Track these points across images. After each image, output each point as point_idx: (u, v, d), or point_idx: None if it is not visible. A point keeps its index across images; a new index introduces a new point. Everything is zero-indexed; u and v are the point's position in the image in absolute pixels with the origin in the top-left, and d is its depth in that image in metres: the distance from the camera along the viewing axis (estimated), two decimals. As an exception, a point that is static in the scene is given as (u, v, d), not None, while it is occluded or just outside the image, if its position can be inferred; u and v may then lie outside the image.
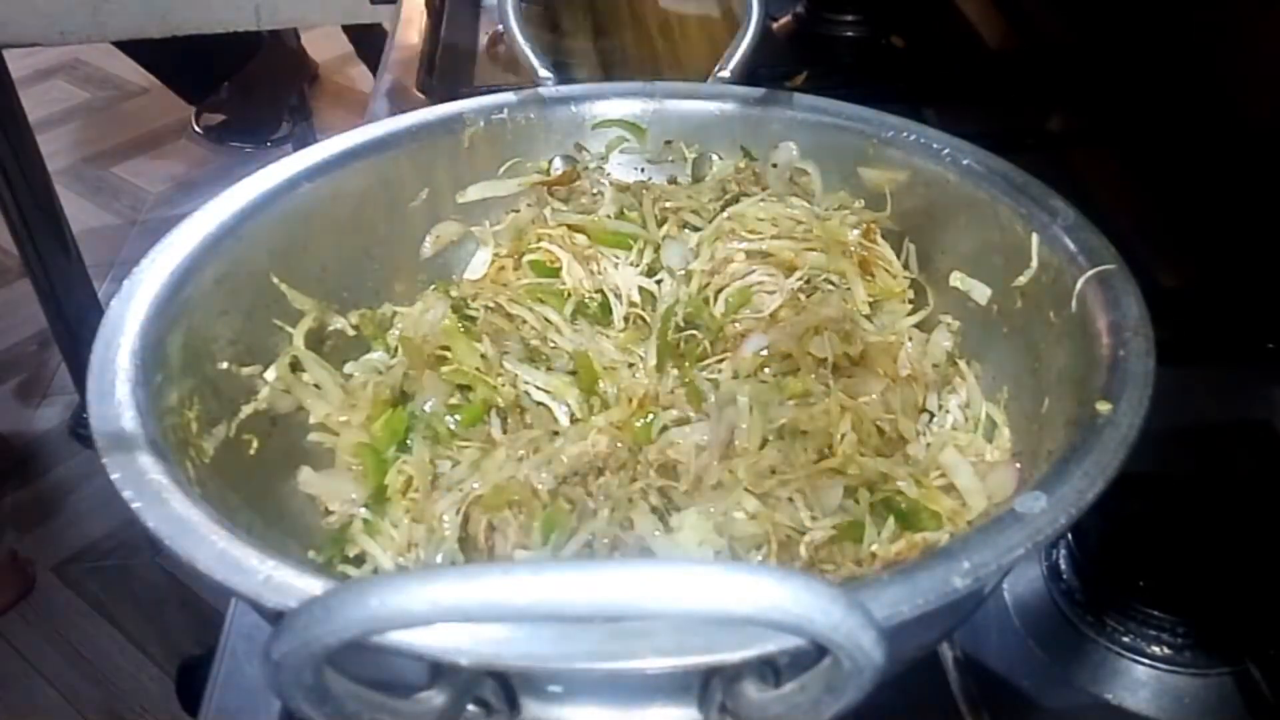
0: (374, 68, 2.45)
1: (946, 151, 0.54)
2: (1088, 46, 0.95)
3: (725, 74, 0.63)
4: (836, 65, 1.03)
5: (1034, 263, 0.49)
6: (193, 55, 1.83)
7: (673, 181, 0.63)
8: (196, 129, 2.51)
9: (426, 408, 0.51)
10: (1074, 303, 0.45)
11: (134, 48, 1.83)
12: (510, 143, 0.61)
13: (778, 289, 0.56)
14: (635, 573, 0.24)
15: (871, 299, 0.56)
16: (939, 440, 0.49)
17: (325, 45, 2.86)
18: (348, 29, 2.15)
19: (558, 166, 0.62)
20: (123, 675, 1.50)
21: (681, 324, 0.56)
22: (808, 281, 0.57)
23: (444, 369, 0.53)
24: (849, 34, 1.07)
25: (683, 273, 0.59)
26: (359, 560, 0.46)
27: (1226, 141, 0.77)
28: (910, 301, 0.56)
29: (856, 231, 0.57)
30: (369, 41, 2.38)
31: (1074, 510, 0.35)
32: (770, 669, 0.31)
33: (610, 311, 0.58)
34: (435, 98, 0.93)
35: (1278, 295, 0.68)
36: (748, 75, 0.63)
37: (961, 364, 0.53)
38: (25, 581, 1.61)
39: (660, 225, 0.61)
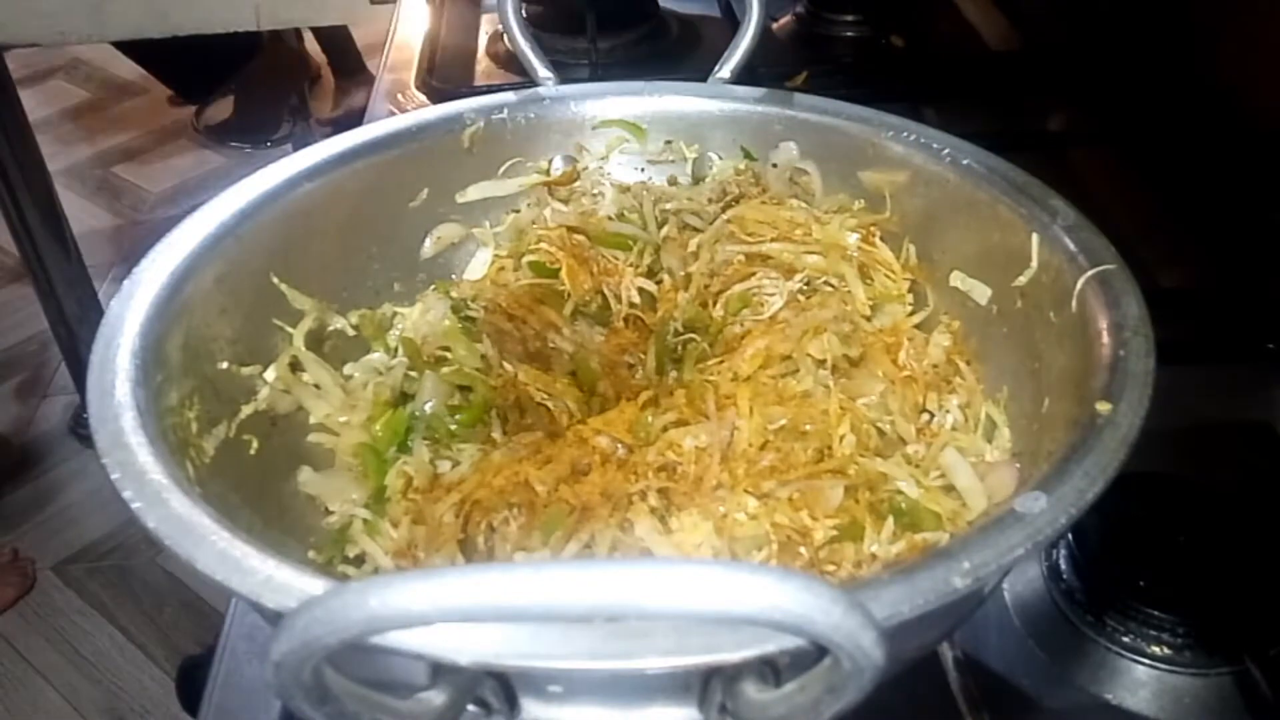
0: (338, 62, 2.44)
1: (946, 151, 0.54)
2: (1088, 46, 0.95)
3: (725, 74, 0.63)
4: (836, 65, 1.04)
5: (1034, 263, 0.49)
6: (192, 55, 1.82)
7: (673, 182, 0.63)
8: (196, 129, 2.51)
9: (427, 408, 0.51)
10: (1074, 303, 0.45)
11: (133, 47, 1.83)
12: (510, 143, 0.61)
13: (778, 291, 0.56)
14: (635, 572, 0.24)
15: (871, 302, 0.56)
16: (939, 441, 0.49)
17: (325, 45, 2.85)
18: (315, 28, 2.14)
19: (558, 166, 0.62)
20: (123, 675, 1.50)
21: (680, 329, 0.56)
22: (808, 284, 0.57)
23: (444, 369, 0.53)
24: (849, 34, 1.07)
25: (682, 275, 0.59)
26: (359, 560, 0.46)
27: (1226, 141, 0.77)
28: (910, 302, 0.56)
29: (856, 236, 0.57)
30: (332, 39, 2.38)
31: (1074, 510, 0.35)
32: (770, 669, 0.31)
33: (610, 312, 0.58)
34: (435, 98, 0.93)
35: (1278, 295, 0.68)
36: (748, 75, 0.63)
37: (961, 364, 0.53)
38: (25, 581, 1.61)
39: (660, 227, 0.61)
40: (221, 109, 2.36)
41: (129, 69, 2.64)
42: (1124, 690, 0.49)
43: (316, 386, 0.51)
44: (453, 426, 0.51)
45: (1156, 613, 0.50)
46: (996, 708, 0.49)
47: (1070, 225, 0.48)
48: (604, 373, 0.54)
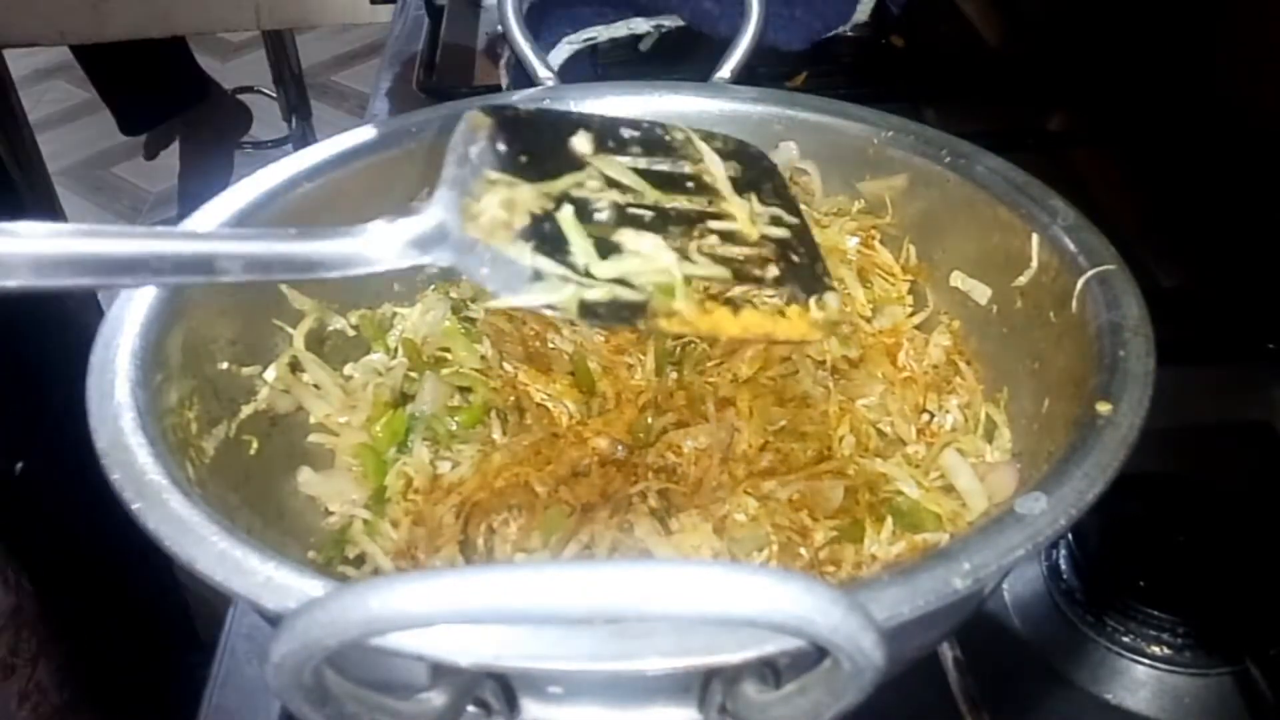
0: None
1: (946, 152, 0.54)
2: (1088, 46, 0.95)
3: (725, 74, 0.63)
4: (836, 65, 1.03)
5: (1034, 263, 0.49)
6: (138, 79, 1.78)
7: (673, 182, 0.63)
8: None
9: (426, 409, 0.51)
10: (1074, 303, 0.45)
11: (87, 64, 1.79)
12: (510, 143, 0.60)
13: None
14: (636, 574, 0.24)
15: (871, 303, 0.56)
16: (939, 441, 0.49)
17: (325, 45, 2.86)
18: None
19: (558, 167, 0.62)
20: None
21: (679, 333, 0.56)
22: (808, 283, 0.57)
23: (444, 370, 0.53)
24: (849, 34, 1.07)
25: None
26: (359, 561, 0.46)
27: (1226, 141, 0.77)
28: (910, 303, 0.56)
29: (855, 240, 0.57)
30: None
31: (1074, 510, 0.35)
32: (770, 670, 0.31)
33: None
34: (435, 98, 0.93)
35: (1278, 295, 0.68)
36: (748, 75, 0.63)
37: (961, 364, 0.53)
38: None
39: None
40: (168, 147, 2.11)
41: (129, 69, 2.63)
42: (1124, 690, 0.49)
43: (316, 387, 0.51)
44: (453, 427, 0.51)
45: (1156, 613, 0.50)
46: (996, 708, 0.48)
47: (1070, 225, 0.48)
48: (604, 374, 0.54)
